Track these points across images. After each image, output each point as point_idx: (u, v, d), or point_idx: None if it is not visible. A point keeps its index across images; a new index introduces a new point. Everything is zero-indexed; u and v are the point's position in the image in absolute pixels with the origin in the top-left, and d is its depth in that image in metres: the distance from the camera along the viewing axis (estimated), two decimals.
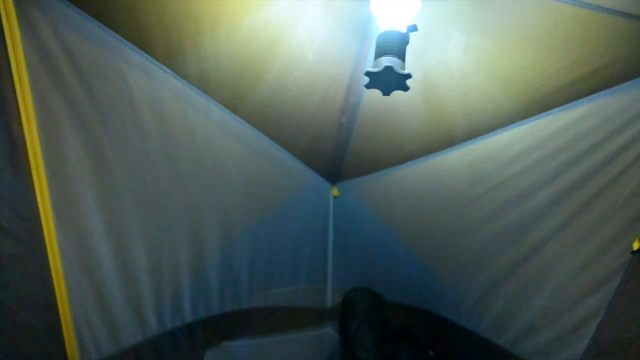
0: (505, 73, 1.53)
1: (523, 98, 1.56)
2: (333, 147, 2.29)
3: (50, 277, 1.21)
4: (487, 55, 1.51)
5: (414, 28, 1.25)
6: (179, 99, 1.55)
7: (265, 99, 1.77)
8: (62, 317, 1.25)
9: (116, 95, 1.37)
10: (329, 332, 2.76)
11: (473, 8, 1.40)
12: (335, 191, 2.66)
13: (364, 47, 1.66)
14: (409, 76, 1.21)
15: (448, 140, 1.92)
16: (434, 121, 1.87)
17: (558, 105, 1.51)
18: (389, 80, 1.23)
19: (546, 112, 1.54)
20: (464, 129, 1.82)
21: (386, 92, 1.29)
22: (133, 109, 1.42)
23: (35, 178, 1.14)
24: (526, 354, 1.70)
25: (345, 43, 1.63)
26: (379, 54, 1.22)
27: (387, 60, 1.18)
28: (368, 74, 1.21)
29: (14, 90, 1.08)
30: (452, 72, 1.61)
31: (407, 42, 1.23)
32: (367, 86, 1.25)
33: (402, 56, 1.21)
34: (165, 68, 1.47)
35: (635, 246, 1.28)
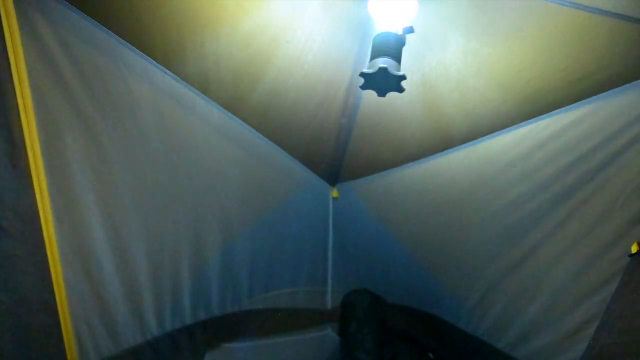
0: (504, 75, 1.53)
1: (521, 100, 1.57)
2: (332, 148, 2.29)
3: (49, 278, 1.21)
4: (485, 57, 1.51)
5: (410, 30, 1.26)
6: (178, 100, 1.55)
7: (264, 101, 1.77)
8: (61, 318, 1.25)
9: (116, 96, 1.37)
10: (329, 333, 2.75)
11: (471, 10, 1.40)
12: (334, 192, 2.66)
13: (363, 48, 1.66)
14: (403, 77, 1.21)
15: (447, 142, 1.92)
16: (432, 123, 1.88)
17: (556, 108, 1.51)
18: (384, 82, 1.23)
19: (544, 115, 1.55)
20: (463, 131, 1.83)
21: (381, 93, 1.30)
22: (133, 110, 1.43)
23: (34, 179, 1.15)
24: (525, 357, 1.70)
25: (345, 44, 1.64)
26: (374, 55, 1.22)
27: (382, 62, 1.18)
28: (363, 75, 1.22)
29: (14, 91, 1.08)
30: (450, 74, 1.61)
31: (403, 44, 1.24)
32: (363, 87, 1.25)
33: (397, 58, 1.22)
34: (165, 69, 1.47)
35: (634, 249, 1.28)
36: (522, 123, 1.63)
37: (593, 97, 1.40)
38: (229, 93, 1.68)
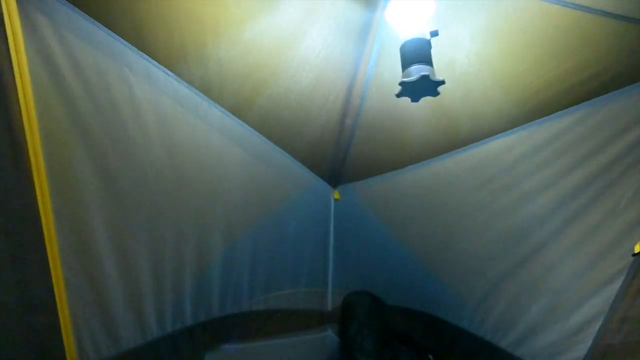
0: (507, 76, 1.53)
1: (524, 101, 1.57)
2: (334, 150, 2.29)
3: (50, 279, 1.20)
4: (488, 58, 1.51)
5: (435, 33, 1.26)
6: (181, 103, 1.55)
7: (267, 103, 1.77)
8: (61, 319, 1.24)
9: (118, 98, 1.37)
10: (329, 335, 2.74)
11: (475, 11, 1.40)
12: (336, 194, 2.65)
13: (366, 51, 1.66)
14: (442, 82, 1.21)
15: (450, 143, 1.92)
16: (435, 124, 1.88)
17: (559, 109, 1.51)
18: (423, 88, 1.24)
19: (547, 116, 1.55)
20: (466, 132, 1.83)
21: (416, 99, 1.30)
22: (135, 111, 1.42)
23: (36, 179, 1.14)
24: (528, 356, 1.70)
25: (348, 47, 1.65)
26: (408, 63, 1.22)
27: (421, 69, 1.19)
28: (403, 84, 1.22)
29: (16, 93, 1.08)
30: (454, 75, 1.61)
31: (431, 47, 1.24)
32: (398, 95, 1.26)
33: (431, 63, 1.22)
34: (168, 71, 1.47)
35: (637, 249, 1.28)
36: (526, 124, 1.63)
37: (596, 98, 1.40)
38: (231, 96, 1.68)
